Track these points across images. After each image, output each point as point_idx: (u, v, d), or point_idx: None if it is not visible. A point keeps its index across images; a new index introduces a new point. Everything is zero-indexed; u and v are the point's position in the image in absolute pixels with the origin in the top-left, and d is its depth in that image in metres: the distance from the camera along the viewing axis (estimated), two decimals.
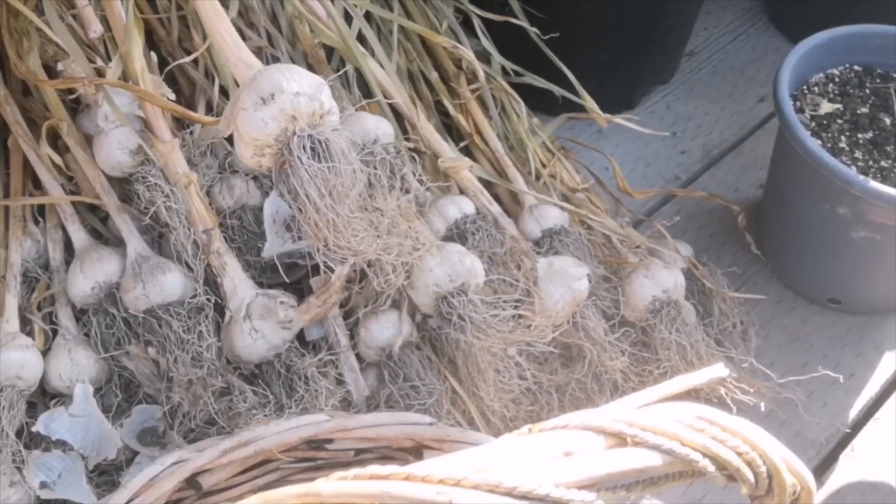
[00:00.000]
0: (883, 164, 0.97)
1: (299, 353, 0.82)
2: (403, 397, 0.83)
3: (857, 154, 0.98)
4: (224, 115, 0.65)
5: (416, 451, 0.69)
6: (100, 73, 0.85)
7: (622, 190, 1.05)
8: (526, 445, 0.37)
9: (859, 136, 0.99)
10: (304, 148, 0.65)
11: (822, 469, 0.94)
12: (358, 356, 0.86)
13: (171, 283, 0.80)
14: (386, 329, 0.85)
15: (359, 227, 0.66)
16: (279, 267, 0.89)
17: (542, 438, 0.38)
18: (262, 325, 0.81)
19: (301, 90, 0.63)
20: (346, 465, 0.70)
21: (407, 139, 0.94)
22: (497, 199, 0.97)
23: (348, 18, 0.94)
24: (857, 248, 0.97)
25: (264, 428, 0.69)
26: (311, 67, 0.95)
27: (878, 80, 1.06)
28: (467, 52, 0.97)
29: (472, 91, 1.01)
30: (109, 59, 0.86)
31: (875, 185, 0.91)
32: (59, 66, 0.87)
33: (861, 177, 0.92)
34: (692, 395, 0.87)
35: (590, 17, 1.15)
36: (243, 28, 0.95)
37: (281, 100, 0.62)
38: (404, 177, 0.84)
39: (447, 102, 1.01)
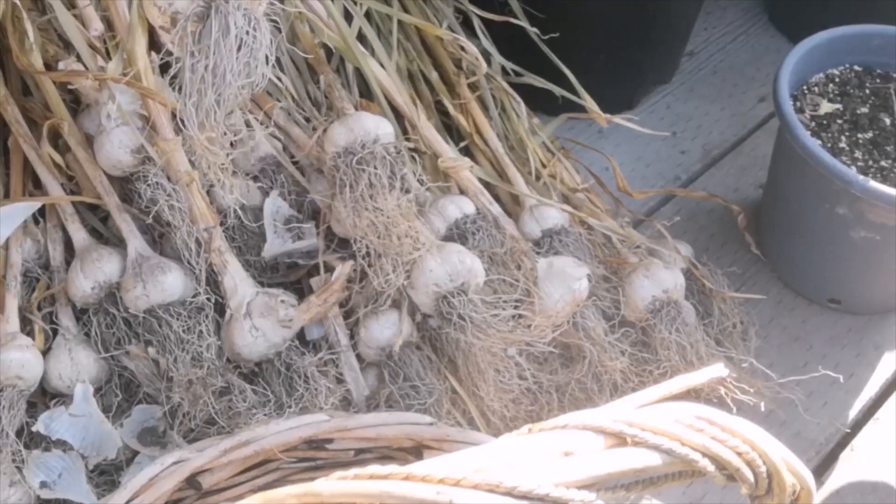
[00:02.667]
0: (883, 164, 0.97)
1: (299, 352, 0.83)
2: (403, 397, 0.83)
3: (857, 154, 0.98)
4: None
5: (416, 450, 0.69)
6: (97, 78, 0.85)
7: (622, 190, 1.05)
8: (526, 445, 0.37)
9: (859, 136, 1.00)
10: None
11: (822, 469, 0.94)
12: (358, 356, 0.86)
13: (171, 283, 0.81)
14: (386, 329, 0.85)
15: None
16: (279, 267, 0.89)
17: (541, 438, 0.38)
18: (262, 322, 0.81)
19: None
20: (346, 464, 0.70)
21: (407, 139, 0.94)
22: (497, 199, 0.97)
23: (348, 19, 0.95)
24: (857, 248, 0.97)
25: (264, 428, 0.69)
26: (311, 67, 0.95)
27: (878, 80, 1.06)
28: (467, 43, 0.96)
29: (472, 86, 1.01)
30: (111, 59, 0.86)
31: (875, 185, 0.91)
32: (60, 66, 0.86)
33: (861, 177, 0.92)
34: (692, 395, 0.87)
35: (590, 17, 1.15)
36: None
37: None
38: (404, 177, 0.84)
39: (447, 102, 1.01)
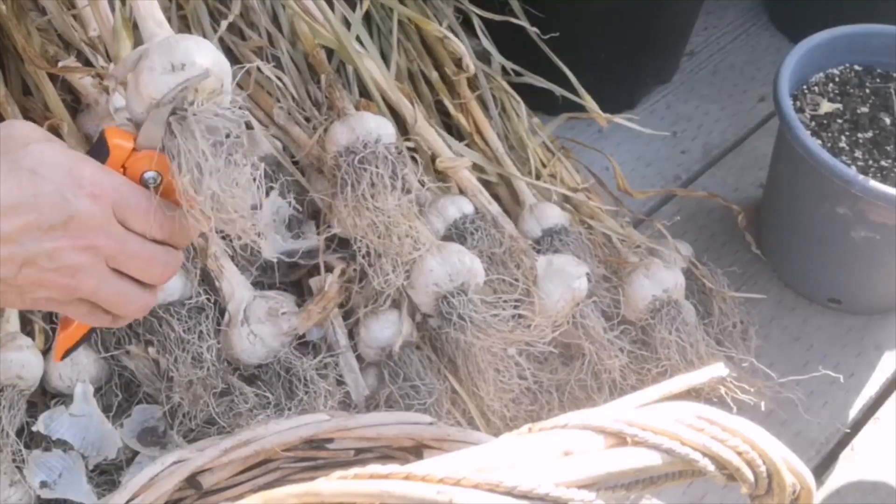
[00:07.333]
0: (883, 163, 0.97)
1: (298, 355, 0.83)
2: (403, 397, 0.83)
3: (857, 154, 0.98)
4: (122, 64, 0.65)
5: (417, 450, 0.69)
6: (99, 74, 0.85)
7: (622, 190, 1.05)
8: (526, 445, 0.37)
9: (859, 135, 1.00)
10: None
11: (822, 469, 0.94)
12: (358, 356, 0.86)
13: (171, 283, 0.80)
14: (386, 329, 0.85)
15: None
16: (279, 266, 0.89)
17: (541, 438, 0.38)
18: (260, 328, 0.81)
19: (212, 68, 0.62)
20: (346, 464, 0.70)
21: (407, 139, 0.94)
22: (497, 198, 0.97)
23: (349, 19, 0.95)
24: (857, 248, 0.97)
25: (264, 427, 0.69)
26: (311, 67, 0.95)
27: (878, 80, 1.06)
28: (457, 41, 0.96)
29: (472, 85, 1.01)
30: (110, 57, 0.86)
31: (875, 184, 0.91)
32: (60, 66, 0.87)
33: (861, 176, 0.92)
34: (692, 394, 0.87)
35: (590, 17, 1.15)
36: (244, 28, 0.95)
37: (191, 71, 0.61)
38: (405, 177, 0.84)
39: (447, 102, 1.01)
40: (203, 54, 0.62)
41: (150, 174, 0.60)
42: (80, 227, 0.56)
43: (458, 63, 1.02)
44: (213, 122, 0.61)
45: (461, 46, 0.97)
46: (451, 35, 0.97)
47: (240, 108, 0.63)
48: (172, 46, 0.62)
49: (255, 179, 0.64)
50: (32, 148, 0.55)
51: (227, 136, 0.62)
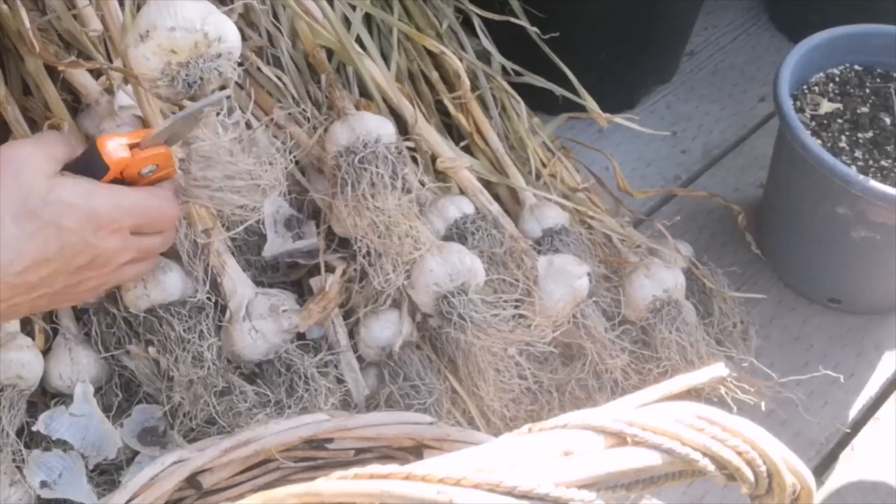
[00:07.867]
0: (883, 163, 0.97)
1: (299, 353, 0.83)
2: (403, 397, 0.83)
3: (857, 154, 0.98)
4: None
5: (417, 450, 0.69)
6: (101, 73, 0.85)
7: (622, 190, 1.05)
8: (526, 445, 0.37)
9: (859, 135, 1.00)
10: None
11: (822, 469, 0.94)
12: (358, 356, 0.86)
13: (171, 283, 0.80)
14: (386, 328, 0.85)
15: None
16: (279, 266, 0.89)
17: (542, 438, 0.38)
18: (262, 324, 0.81)
19: (177, 24, 0.62)
20: (346, 464, 0.70)
21: (407, 139, 0.94)
22: (497, 198, 0.97)
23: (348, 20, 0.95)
24: (857, 248, 0.97)
25: (264, 427, 0.69)
26: (311, 67, 0.95)
27: (878, 80, 1.06)
28: (454, 61, 0.97)
29: (472, 85, 1.01)
30: (109, 58, 0.86)
31: (875, 184, 0.91)
32: (61, 66, 0.86)
33: (861, 176, 0.92)
34: (692, 394, 0.87)
35: (590, 17, 1.15)
36: (244, 28, 0.95)
37: (157, 36, 0.62)
38: (406, 177, 0.84)
39: (447, 102, 1.01)
40: (166, 16, 0.63)
41: (147, 168, 0.65)
42: (105, 259, 0.63)
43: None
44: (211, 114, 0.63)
45: (457, 62, 0.97)
46: (447, 50, 0.97)
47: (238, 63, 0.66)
48: (141, 17, 0.63)
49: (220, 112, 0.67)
50: (51, 198, 0.60)
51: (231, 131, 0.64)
